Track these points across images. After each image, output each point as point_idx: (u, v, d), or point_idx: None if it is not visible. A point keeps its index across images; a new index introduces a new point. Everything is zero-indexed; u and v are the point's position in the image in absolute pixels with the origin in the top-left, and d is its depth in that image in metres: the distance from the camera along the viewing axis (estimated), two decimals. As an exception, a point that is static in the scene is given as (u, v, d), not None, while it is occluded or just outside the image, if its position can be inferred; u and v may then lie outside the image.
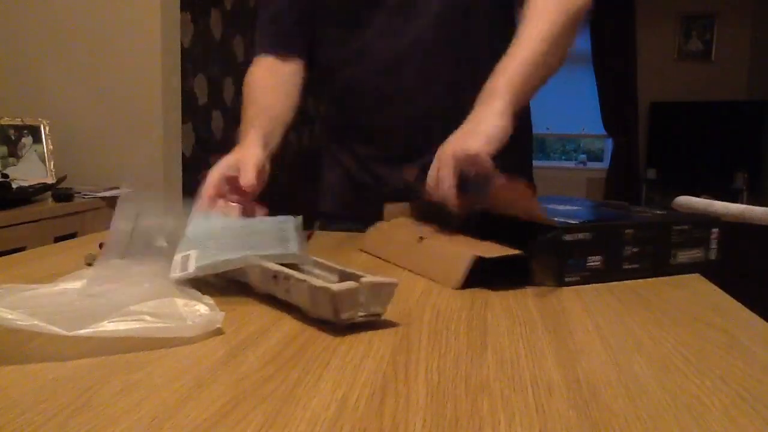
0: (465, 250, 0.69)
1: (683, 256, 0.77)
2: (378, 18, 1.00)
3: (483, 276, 0.67)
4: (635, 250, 0.73)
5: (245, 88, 1.04)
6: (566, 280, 0.69)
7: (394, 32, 1.00)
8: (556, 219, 0.72)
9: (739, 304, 0.63)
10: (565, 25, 0.87)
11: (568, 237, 0.69)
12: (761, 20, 5.51)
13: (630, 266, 0.73)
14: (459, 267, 0.67)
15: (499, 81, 0.82)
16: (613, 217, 0.79)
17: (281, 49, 1.06)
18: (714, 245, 0.79)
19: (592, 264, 0.71)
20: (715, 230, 0.79)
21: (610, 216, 0.81)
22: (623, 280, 0.72)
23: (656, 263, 0.75)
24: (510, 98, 0.80)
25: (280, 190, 3.98)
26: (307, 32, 1.06)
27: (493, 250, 0.70)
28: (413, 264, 0.76)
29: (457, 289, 0.66)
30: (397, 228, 0.86)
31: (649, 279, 0.73)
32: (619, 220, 0.75)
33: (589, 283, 0.70)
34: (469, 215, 0.78)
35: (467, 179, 0.77)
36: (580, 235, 0.70)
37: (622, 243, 0.72)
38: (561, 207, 0.85)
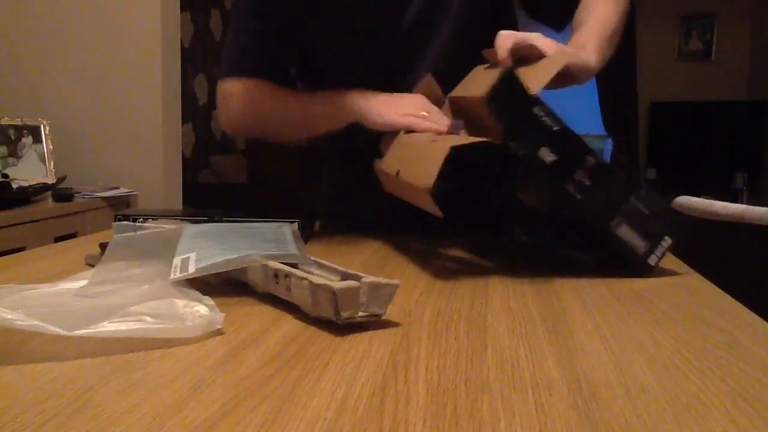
0: (444, 144, 0.71)
1: (625, 233, 0.74)
2: (395, 42, 1.00)
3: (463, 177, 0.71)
4: (586, 181, 0.73)
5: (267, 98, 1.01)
6: (510, 142, 0.71)
7: (411, 56, 0.99)
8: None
9: (739, 304, 0.63)
10: (620, 26, 0.92)
11: (536, 111, 0.72)
12: (761, 20, 5.51)
13: (573, 192, 0.73)
14: (435, 164, 0.69)
15: (589, 37, 0.86)
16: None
17: (266, 76, 1.01)
18: (659, 253, 0.75)
19: (542, 154, 0.72)
20: (668, 239, 0.75)
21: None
22: (557, 202, 0.74)
23: (596, 214, 0.74)
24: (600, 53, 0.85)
25: (281, 191, 3.96)
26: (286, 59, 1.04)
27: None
28: (405, 168, 0.78)
29: (428, 189, 0.67)
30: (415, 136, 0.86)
31: (649, 279, 0.73)
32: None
33: (530, 163, 0.72)
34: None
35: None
36: (549, 121, 0.72)
37: (578, 162, 0.73)
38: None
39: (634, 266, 0.75)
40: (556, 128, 0.72)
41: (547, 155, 0.72)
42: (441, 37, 0.99)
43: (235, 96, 1.02)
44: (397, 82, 0.96)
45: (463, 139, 0.75)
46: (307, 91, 0.98)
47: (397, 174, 0.79)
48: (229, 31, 1.04)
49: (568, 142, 0.73)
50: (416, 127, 0.84)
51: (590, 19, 0.89)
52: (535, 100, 0.72)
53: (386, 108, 0.88)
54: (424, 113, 0.86)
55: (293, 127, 1.01)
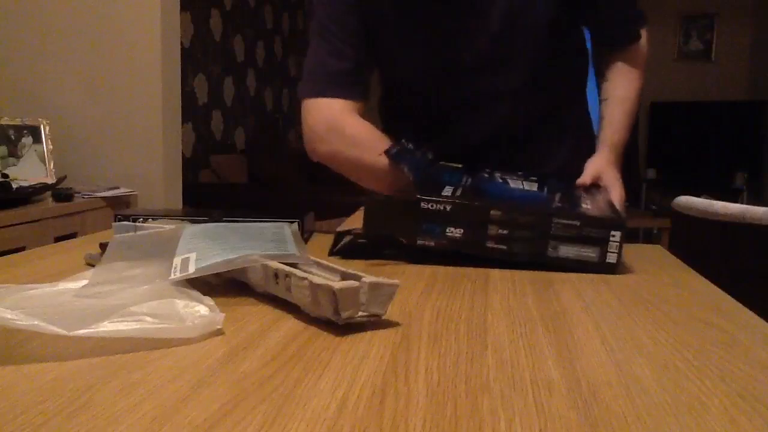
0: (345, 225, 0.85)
1: (567, 251, 0.76)
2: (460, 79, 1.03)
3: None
4: (503, 232, 0.77)
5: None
6: (419, 242, 0.79)
7: (487, 82, 1.03)
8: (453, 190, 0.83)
9: (739, 304, 0.63)
10: (642, 78, 1.10)
11: (423, 205, 0.79)
12: (761, 20, 5.51)
13: (496, 246, 0.77)
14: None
15: (612, 138, 1.05)
16: (530, 201, 0.83)
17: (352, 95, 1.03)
18: (614, 249, 0.76)
19: (450, 234, 0.78)
20: (616, 233, 0.76)
21: (530, 199, 0.85)
22: (489, 257, 0.77)
23: (531, 251, 0.77)
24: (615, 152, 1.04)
25: (281, 191, 3.95)
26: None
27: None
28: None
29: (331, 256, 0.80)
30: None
31: (649, 279, 0.73)
32: (497, 201, 0.80)
33: (447, 250, 0.79)
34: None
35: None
36: (439, 206, 0.78)
37: (485, 223, 0.77)
38: (518, 185, 0.91)
39: (597, 272, 0.76)
40: (448, 207, 0.78)
41: (456, 234, 0.78)
42: (510, 75, 1.02)
43: (333, 120, 1.02)
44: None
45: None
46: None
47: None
48: (310, 46, 1.05)
49: (467, 211, 0.79)
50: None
51: (616, 111, 1.06)
52: (416, 201, 0.79)
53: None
54: None
55: (380, 184, 1.01)
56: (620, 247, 0.76)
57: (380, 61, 1.08)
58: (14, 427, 0.34)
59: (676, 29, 5.81)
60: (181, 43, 2.67)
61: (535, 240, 0.77)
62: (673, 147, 5.71)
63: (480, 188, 0.88)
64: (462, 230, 0.78)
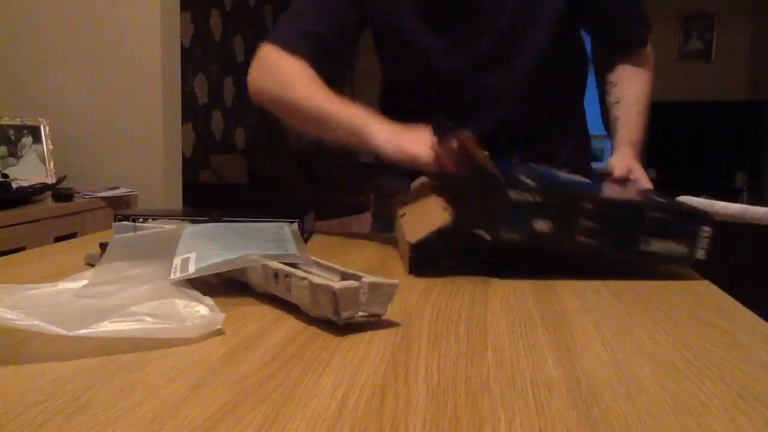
0: (410, 233, 0.71)
1: (659, 246, 0.73)
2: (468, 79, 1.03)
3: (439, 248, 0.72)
4: (593, 225, 0.71)
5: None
6: (501, 235, 0.69)
7: (493, 68, 1.02)
8: (526, 180, 0.73)
9: (739, 304, 0.63)
10: (652, 80, 1.12)
11: (512, 194, 0.69)
12: (761, 20, 5.51)
13: (585, 240, 0.71)
14: (405, 258, 0.71)
15: (630, 137, 1.06)
16: (592, 190, 0.77)
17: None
18: (703, 244, 0.74)
19: (538, 227, 0.70)
20: (706, 228, 0.74)
21: (590, 188, 0.79)
22: (576, 251, 0.71)
23: (619, 244, 0.72)
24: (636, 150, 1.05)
25: (281, 191, 3.95)
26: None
27: (440, 218, 0.72)
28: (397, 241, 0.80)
29: (411, 274, 0.70)
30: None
31: (649, 279, 0.73)
32: (584, 191, 0.73)
33: (531, 246, 0.70)
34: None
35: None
36: (528, 197, 0.69)
37: (575, 214, 0.71)
38: (564, 174, 0.85)
39: (685, 265, 0.74)
40: (539, 200, 0.70)
41: (543, 226, 0.70)
42: (513, 74, 1.03)
43: (272, 63, 1.01)
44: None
45: (435, 217, 0.74)
46: (338, 97, 0.97)
47: (402, 215, 0.80)
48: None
49: (557, 203, 0.71)
50: (422, 159, 0.84)
51: (630, 112, 1.08)
52: (505, 183, 0.69)
53: (399, 138, 0.89)
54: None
55: (309, 124, 1.00)
56: (710, 243, 0.74)
57: (381, 60, 1.08)
58: (14, 427, 0.34)
59: (676, 29, 5.80)
60: (181, 43, 2.67)
61: (627, 233, 0.72)
62: (673, 147, 5.71)
63: (546, 178, 0.80)
64: (551, 223, 0.70)
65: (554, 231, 0.70)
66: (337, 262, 0.62)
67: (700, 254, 0.74)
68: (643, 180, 0.97)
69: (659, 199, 0.79)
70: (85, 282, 0.56)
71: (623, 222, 0.72)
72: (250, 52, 5.02)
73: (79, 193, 2.16)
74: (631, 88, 1.09)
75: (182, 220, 0.80)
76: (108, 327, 0.46)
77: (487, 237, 0.70)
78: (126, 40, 2.32)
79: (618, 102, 1.10)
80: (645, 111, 1.09)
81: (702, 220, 0.74)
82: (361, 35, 1.06)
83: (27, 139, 2.22)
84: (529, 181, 0.73)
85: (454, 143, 0.76)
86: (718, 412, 0.37)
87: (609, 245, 0.72)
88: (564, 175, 0.87)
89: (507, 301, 0.62)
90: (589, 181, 0.86)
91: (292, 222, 0.75)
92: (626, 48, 1.10)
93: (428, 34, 1.01)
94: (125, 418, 0.35)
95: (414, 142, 0.85)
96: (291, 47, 1.00)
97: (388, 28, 1.03)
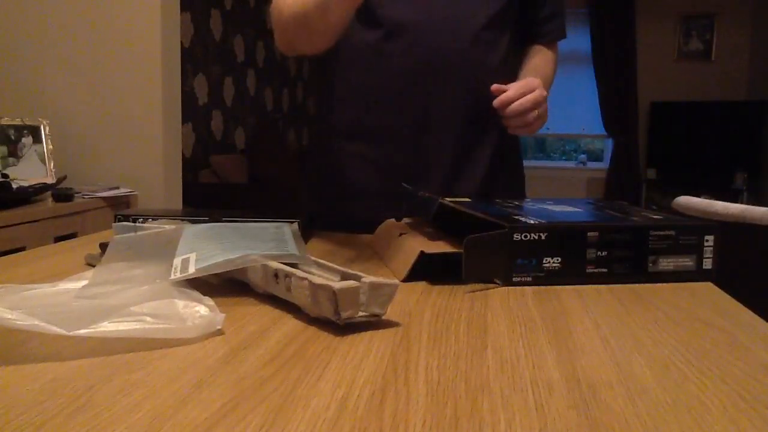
0: (417, 247, 0.72)
1: (667, 263, 0.73)
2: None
3: (432, 270, 0.71)
4: (602, 254, 0.71)
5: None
6: (515, 279, 0.69)
7: (428, 40, 1.03)
8: (523, 218, 0.74)
9: (739, 304, 0.63)
10: (555, 71, 1.21)
11: (516, 236, 0.69)
12: (761, 20, 5.51)
13: (596, 270, 0.71)
14: (408, 262, 0.71)
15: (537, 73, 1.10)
16: (594, 220, 0.76)
17: None
18: (709, 254, 0.73)
19: (548, 265, 0.70)
20: (709, 237, 0.73)
21: (596, 218, 0.78)
22: (590, 283, 0.71)
23: (631, 269, 0.72)
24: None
25: (281, 191, 3.95)
26: None
27: (442, 247, 0.73)
28: (387, 256, 0.80)
29: (402, 281, 0.69)
30: (395, 226, 0.90)
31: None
32: (584, 222, 0.73)
33: (545, 284, 0.69)
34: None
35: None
36: (533, 235, 0.69)
37: (583, 246, 0.71)
38: (556, 208, 0.85)
39: (695, 280, 0.73)
40: (543, 235, 0.69)
41: (554, 263, 0.70)
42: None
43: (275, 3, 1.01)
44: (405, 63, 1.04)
45: (433, 245, 0.75)
46: None
47: (383, 257, 0.82)
48: None
49: (564, 236, 0.71)
50: None
51: (539, 66, 1.14)
52: (507, 227, 0.69)
53: None
54: None
55: (315, 15, 0.93)
56: (714, 252, 0.73)
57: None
58: (14, 427, 0.34)
59: (676, 29, 5.81)
60: (181, 43, 2.67)
61: (635, 256, 0.72)
62: (673, 147, 5.71)
63: (539, 213, 0.80)
64: (560, 258, 0.70)
65: (565, 266, 0.70)
66: (337, 262, 0.62)
67: (707, 264, 0.74)
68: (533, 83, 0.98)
69: (658, 216, 0.79)
70: (85, 282, 0.56)
71: (630, 245, 0.72)
72: (250, 52, 5.03)
73: (79, 193, 2.16)
74: (540, 61, 1.16)
75: (182, 220, 0.81)
76: (108, 327, 0.46)
77: (500, 283, 0.70)
78: (126, 40, 2.32)
79: (528, 64, 1.16)
80: (547, 82, 1.12)
81: (706, 229, 0.74)
82: None
83: (27, 139, 2.22)
84: (528, 219, 0.73)
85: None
86: (718, 412, 0.37)
87: (620, 270, 0.72)
88: (551, 206, 0.87)
89: (507, 301, 0.62)
90: (577, 208, 0.85)
91: (292, 222, 0.75)
92: (551, 39, 1.19)
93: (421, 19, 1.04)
94: (125, 418, 0.35)
95: None
96: None
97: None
